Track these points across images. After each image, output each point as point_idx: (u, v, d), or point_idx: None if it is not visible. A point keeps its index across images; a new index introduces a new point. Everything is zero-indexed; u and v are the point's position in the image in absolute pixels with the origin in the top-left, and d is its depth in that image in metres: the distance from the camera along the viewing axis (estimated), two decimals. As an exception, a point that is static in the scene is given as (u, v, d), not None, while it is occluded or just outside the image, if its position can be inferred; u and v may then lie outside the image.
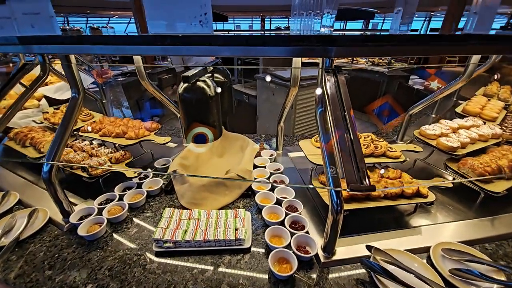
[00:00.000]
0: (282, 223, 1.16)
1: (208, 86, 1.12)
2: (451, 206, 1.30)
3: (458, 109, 2.05)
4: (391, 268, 0.92)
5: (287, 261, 0.98)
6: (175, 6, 0.92)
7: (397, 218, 1.23)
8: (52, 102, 2.31)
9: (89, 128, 1.71)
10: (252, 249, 1.08)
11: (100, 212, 1.22)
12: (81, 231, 1.11)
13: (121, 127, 1.58)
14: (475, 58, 1.38)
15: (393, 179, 1.28)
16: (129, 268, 0.99)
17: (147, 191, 1.37)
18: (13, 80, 1.02)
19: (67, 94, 2.41)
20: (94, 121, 1.80)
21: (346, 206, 1.11)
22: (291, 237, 1.06)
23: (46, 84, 2.41)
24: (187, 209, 1.27)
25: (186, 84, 1.11)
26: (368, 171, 1.26)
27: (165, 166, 1.59)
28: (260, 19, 14.60)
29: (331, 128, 0.88)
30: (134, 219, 1.25)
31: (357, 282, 0.94)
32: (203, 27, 0.94)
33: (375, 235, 1.12)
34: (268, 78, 2.92)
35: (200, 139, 1.26)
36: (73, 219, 1.18)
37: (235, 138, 1.80)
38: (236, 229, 1.10)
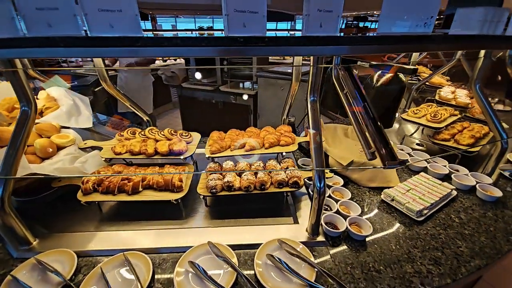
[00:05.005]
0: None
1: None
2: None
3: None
4: None
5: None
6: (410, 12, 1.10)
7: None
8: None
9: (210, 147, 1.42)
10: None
11: (339, 213, 1.22)
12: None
13: (273, 135, 1.45)
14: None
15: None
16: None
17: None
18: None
19: (81, 120, 1.71)
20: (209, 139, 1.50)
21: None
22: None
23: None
24: (390, 187, 1.43)
25: (390, 75, 1.28)
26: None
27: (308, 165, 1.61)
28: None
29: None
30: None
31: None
32: (425, 28, 1.18)
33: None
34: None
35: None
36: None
37: (333, 127, 1.99)
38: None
